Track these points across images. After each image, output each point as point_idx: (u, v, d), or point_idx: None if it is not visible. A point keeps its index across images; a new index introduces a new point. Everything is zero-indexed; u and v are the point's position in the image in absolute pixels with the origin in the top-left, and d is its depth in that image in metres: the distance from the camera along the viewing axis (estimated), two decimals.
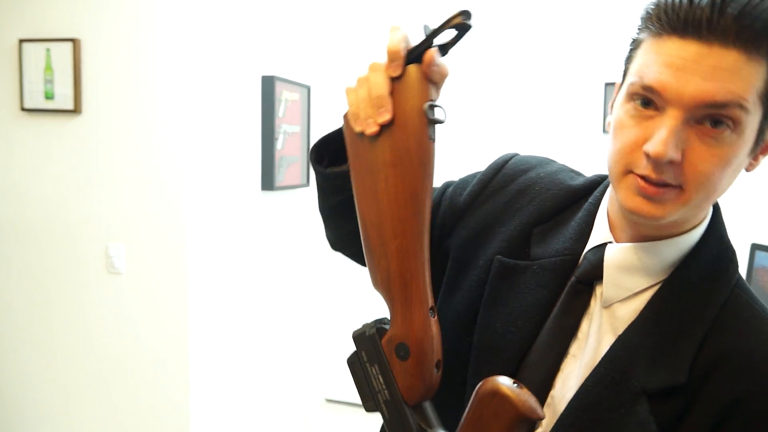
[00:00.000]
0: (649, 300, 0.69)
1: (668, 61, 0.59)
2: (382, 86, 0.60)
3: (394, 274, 0.62)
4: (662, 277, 0.69)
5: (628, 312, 0.70)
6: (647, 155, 0.60)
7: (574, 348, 0.72)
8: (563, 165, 0.85)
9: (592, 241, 0.74)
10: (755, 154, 0.65)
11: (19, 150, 2.35)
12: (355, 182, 0.64)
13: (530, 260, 0.77)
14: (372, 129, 0.61)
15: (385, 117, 0.60)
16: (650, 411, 0.64)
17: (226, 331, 2.50)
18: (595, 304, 0.72)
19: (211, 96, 2.34)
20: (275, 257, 2.87)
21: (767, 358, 0.64)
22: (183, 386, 2.27)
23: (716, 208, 0.72)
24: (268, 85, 2.65)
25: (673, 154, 0.59)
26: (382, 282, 0.64)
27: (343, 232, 0.85)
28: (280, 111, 2.74)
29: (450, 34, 0.61)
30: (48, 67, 2.27)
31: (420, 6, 3.31)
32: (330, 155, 0.79)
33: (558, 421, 0.69)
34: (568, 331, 0.72)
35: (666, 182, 0.61)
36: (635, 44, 0.65)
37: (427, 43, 0.60)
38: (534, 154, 0.88)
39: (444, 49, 0.62)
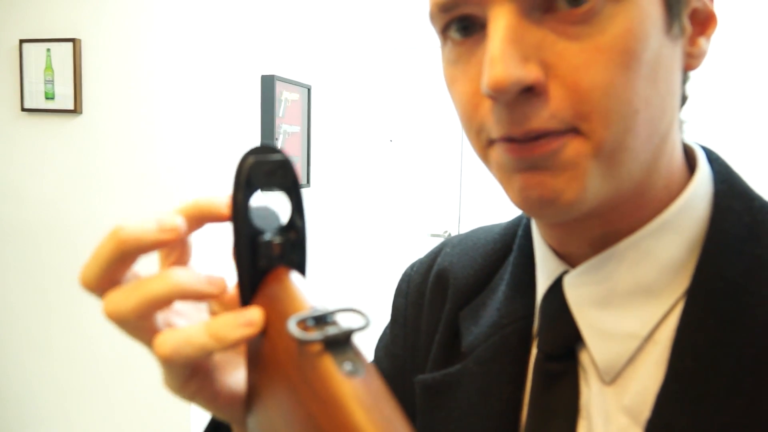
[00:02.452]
0: (674, 339, 0.40)
1: None
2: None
3: None
4: (678, 293, 0.42)
5: (647, 374, 0.41)
6: (491, 97, 0.37)
7: None
8: (479, 227, 0.60)
9: (542, 286, 0.47)
10: (682, 33, 0.40)
11: (19, 150, 2.35)
12: None
13: (462, 359, 0.50)
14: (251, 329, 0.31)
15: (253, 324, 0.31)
16: None
17: None
18: (588, 389, 0.44)
19: (211, 96, 2.34)
20: None
21: None
22: None
23: (711, 156, 0.46)
24: (268, 84, 2.65)
25: (520, 71, 0.35)
26: None
27: None
28: (280, 111, 2.74)
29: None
30: (48, 67, 2.27)
31: (420, 6, 3.31)
32: None
33: None
34: None
35: (547, 130, 0.37)
36: None
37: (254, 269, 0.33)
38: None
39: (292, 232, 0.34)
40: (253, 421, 0.34)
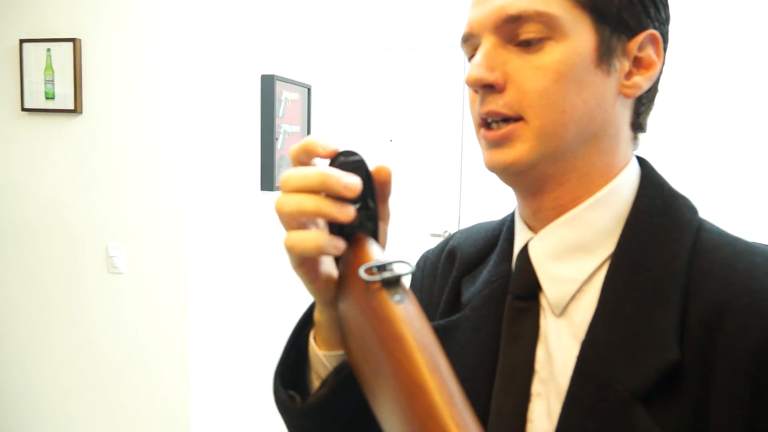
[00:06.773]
0: (603, 283, 0.56)
1: (472, 2, 0.60)
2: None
3: None
4: (608, 251, 0.58)
5: (586, 308, 0.57)
6: (471, 89, 0.58)
7: (537, 386, 0.58)
8: (484, 221, 0.77)
9: (517, 250, 0.64)
10: (615, 70, 0.57)
11: (19, 150, 2.36)
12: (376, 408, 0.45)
13: (461, 309, 0.66)
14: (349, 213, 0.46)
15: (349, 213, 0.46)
16: (652, 420, 0.50)
17: (227, 331, 2.50)
18: (546, 321, 0.59)
19: (211, 95, 2.34)
20: (275, 257, 2.87)
21: None
22: (183, 386, 2.27)
23: (642, 161, 0.63)
24: (268, 84, 2.65)
25: (486, 74, 0.56)
26: None
27: None
28: (280, 111, 2.74)
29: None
30: (48, 67, 2.27)
31: (420, 6, 3.31)
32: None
33: None
34: (522, 369, 0.59)
35: (500, 113, 0.56)
36: None
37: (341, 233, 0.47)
38: None
39: (364, 204, 0.48)
40: (341, 307, 0.49)
